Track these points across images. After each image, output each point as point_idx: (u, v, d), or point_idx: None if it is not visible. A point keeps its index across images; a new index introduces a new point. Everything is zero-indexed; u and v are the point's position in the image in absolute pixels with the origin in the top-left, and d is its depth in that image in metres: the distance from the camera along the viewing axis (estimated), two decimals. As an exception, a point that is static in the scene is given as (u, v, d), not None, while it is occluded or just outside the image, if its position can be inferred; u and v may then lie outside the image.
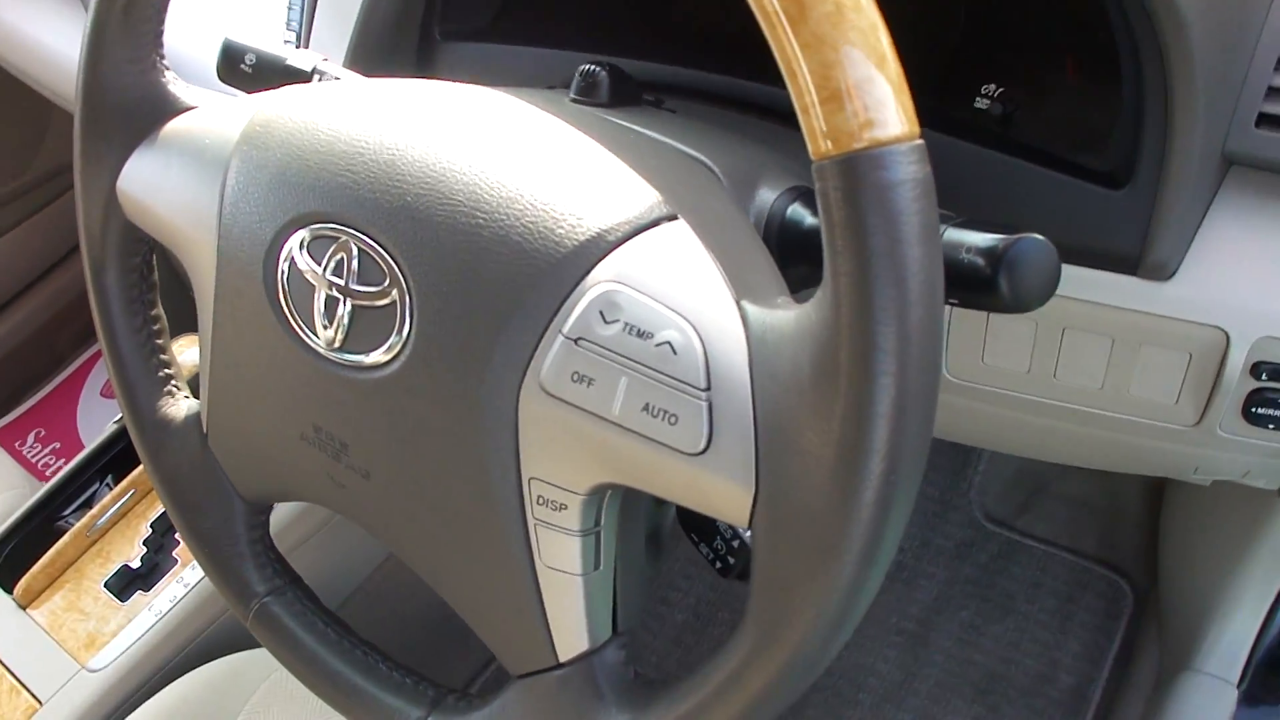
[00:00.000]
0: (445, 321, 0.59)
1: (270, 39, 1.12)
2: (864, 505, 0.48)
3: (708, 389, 0.52)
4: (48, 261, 2.23)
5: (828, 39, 0.45)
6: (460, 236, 0.58)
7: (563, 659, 0.62)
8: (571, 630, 0.61)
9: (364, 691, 0.73)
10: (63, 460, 2.09)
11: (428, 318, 0.59)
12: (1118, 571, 1.72)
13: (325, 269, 0.62)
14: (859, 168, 0.45)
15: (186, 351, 1.24)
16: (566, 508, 0.58)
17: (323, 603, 0.79)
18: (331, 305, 0.62)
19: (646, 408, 0.53)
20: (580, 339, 0.55)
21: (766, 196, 0.70)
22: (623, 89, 0.77)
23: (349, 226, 0.62)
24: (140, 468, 1.30)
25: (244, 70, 0.89)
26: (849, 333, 0.46)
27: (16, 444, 2.13)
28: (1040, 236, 0.60)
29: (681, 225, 0.57)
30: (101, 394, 2.18)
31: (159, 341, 0.82)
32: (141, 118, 0.75)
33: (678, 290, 0.54)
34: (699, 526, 0.71)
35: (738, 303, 0.53)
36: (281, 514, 1.24)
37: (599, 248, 0.56)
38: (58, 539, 1.28)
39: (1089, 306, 0.86)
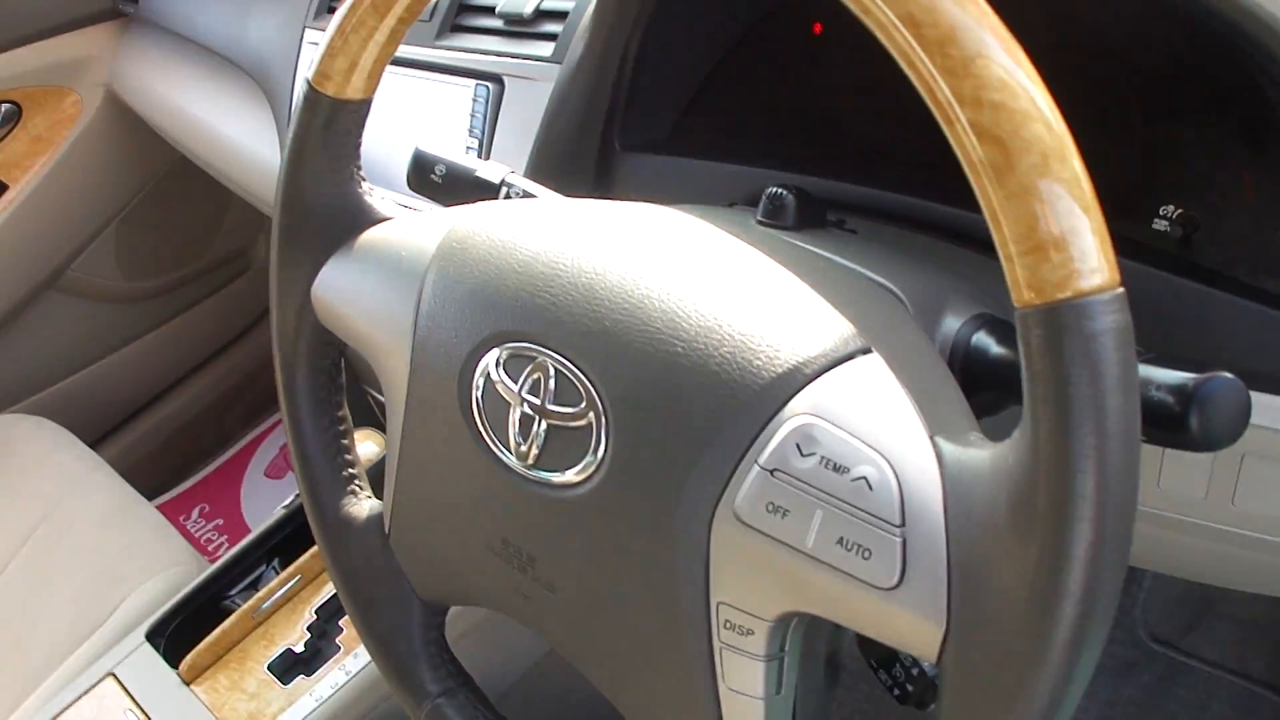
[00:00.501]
0: (641, 446, 0.60)
1: (453, 147, 1.16)
2: (1057, 647, 0.48)
3: (902, 525, 0.52)
4: (221, 341, 2.31)
5: (1034, 190, 0.46)
6: (657, 363, 0.60)
7: None
8: None
9: None
10: (225, 537, 2.15)
11: (623, 441, 0.61)
12: (1285, 695, 1.66)
13: (521, 387, 0.64)
14: (1062, 318, 0.46)
15: (362, 444, 1.27)
16: (753, 633, 0.58)
17: (494, 706, 0.81)
18: (527, 423, 0.64)
19: (840, 541, 0.53)
20: (776, 470, 0.56)
21: (952, 324, 0.71)
22: (808, 212, 0.79)
23: (546, 347, 0.64)
24: (307, 553, 1.33)
25: (434, 180, 0.93)
26: (1048, 478, 0.47)
27: (181, 518, 2.20)
28: (1231, 375, 0.60)
29: (875, 359, 0.58)
30: (266, 474, 2.25)
31: (344, 441, 0.84)
32: (338, 227, 0.78)
33: (873, 425, 0.55)
34: (878, 653, 0.72)
35: (932, 439, 0.54)
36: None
37: (796, 380, 0.57)
38: (224, 618, 1.31)
39: (1271, 434, 0.85)
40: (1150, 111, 0.90)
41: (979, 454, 0.52)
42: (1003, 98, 0.46)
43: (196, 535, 2.17)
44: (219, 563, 1.40)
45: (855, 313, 0.61)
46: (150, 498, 1.68)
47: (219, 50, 1.75)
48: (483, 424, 0.67)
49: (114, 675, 1.30)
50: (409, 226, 0.76)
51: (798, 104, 1.08)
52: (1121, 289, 0.47)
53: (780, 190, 0.78)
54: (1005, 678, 0.50)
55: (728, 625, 0.59)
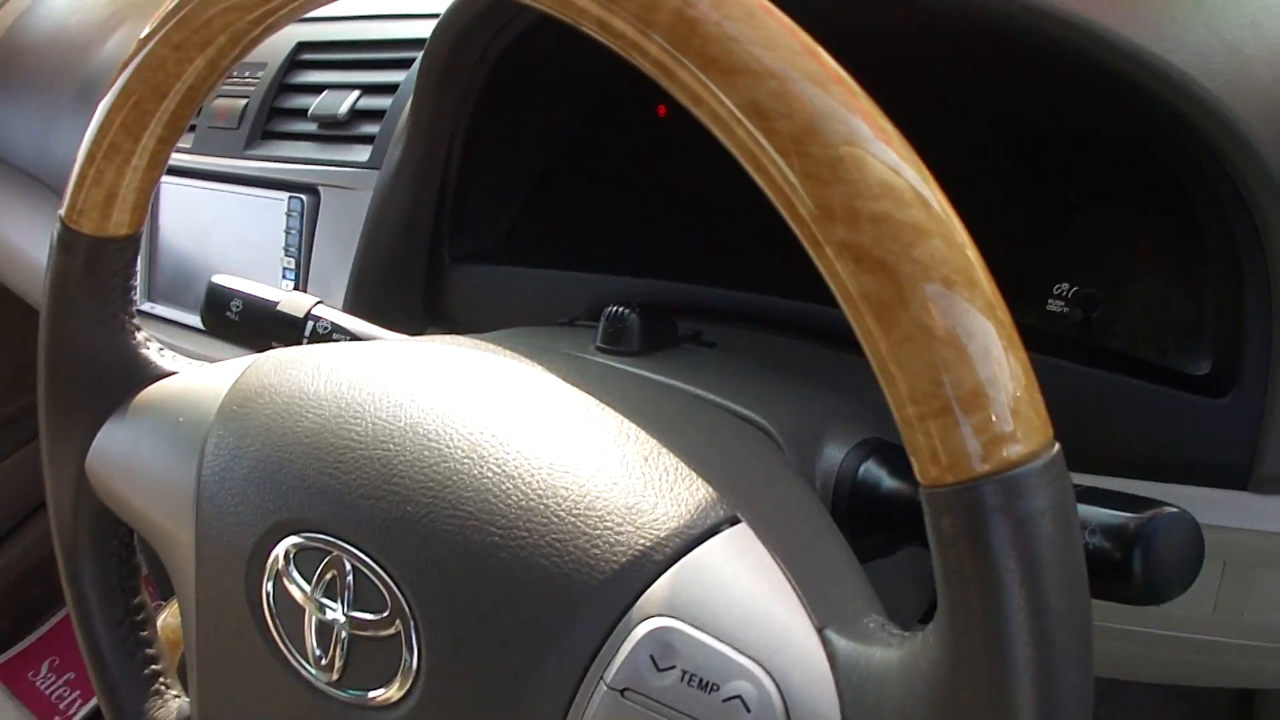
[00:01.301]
0: (462, 662, 0.48)
1: (267, 268, 1.05)
2: None
3: None
4: (23, 510, 2.15)
5: (934, 330, 0.35)
6: (472, 559, 0.48)
7: None
8: None
9: None
10: (78, 693, 1.99)
11: (440, 655, 0.49)
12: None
13: (316, 589, 0.52)
14: (985, 500, 0.35)
15: (175, 620, 1.13)
16: None
17: None
18: (325, 632, 0.52)
19: None
20: (628, 690, 0.44)
21: (833, 455, 0.61)
22: (656, 332, 0.68)
23: (340, 539, 0.52)
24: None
25: (230, 319, 0.81)
26: (975, 699, 0.36)
27: (30, 674, 2.03)
28: (1178, 510, 0.50)
29: (744, 531, 0.47)
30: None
31: (143, 634, 0.72)
32: (112, 387, 0.66)
33: (747, 625, 0.44)
34: None
35: (821, 633, 0.43)
36: None
37: (645, 570, 0.46)
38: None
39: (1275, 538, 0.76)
40: (1032, 180, 0.81)
41: (884, 655, 0.41)
42: (886, 207, 0.35)
43: (46, 692, 2.00)
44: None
45: (718, 468, 0.50)
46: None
47: (28, 169, 1.62)
48: (277, 632, 0.55)
49: None
50: (190, 383, 0.65)
51: (645, 197, 0.99)
52: (1058, 446, 0.36)
53: (621, 310, 0.67)
54: None
55: None
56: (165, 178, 1.25)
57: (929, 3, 0.68)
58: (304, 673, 0.53)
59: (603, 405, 0.54)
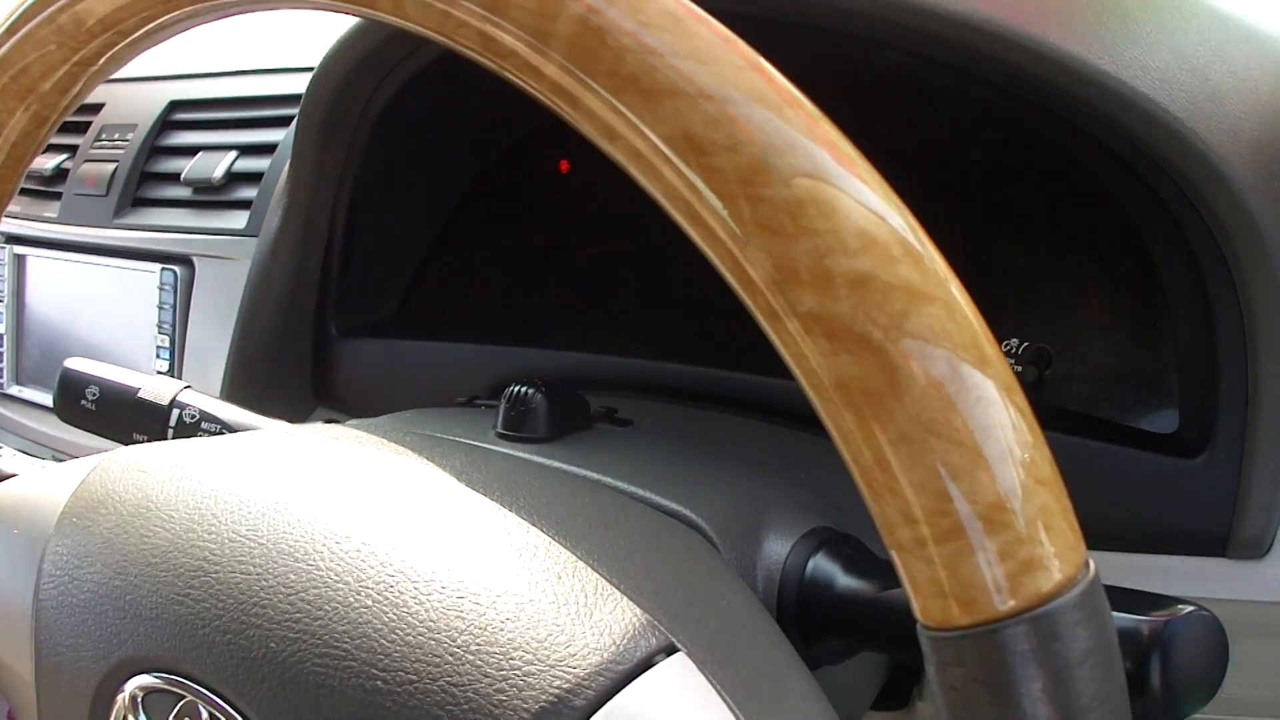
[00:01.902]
0: None
1: (139, 355, 0.96)
2: None
3: None
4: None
5: (940, 426, 0.26)
6: (351, 707, 0.39)
7: None
8: None
9: None
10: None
11: None
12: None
13: None
14: (1013, 645, 0.27)
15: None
16: None
17: None
18: None
19: None
20: None
21: (776, 551, 0.52)
22: (564, 412, 0.59)
23: (191, 679, 0.43)
24: None
25: (85, 407, 0.71)
26: None
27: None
28: (1196, 608, 0.43)
29: (682, 662, 0.38)
30: None
31: None
32: None
33: None
34: None
35: None
36: None
37: None
38: None
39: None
40: (972, 227, 0.74)
41: None
42: (868, 265, 0.26)
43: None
44: None
45: (645, 583, 0.41)
46: None
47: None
48: None
49: None
50: (30, 489, 0.55)
51: (549, 261, 0.90)
52: (1093, 565, 0.28)
53: (524, 390, 0.58)
54: None
55: None
56: (30, 250, 1.15)
57: (875, 35, 0.60)
58: None
59: (506, 510, 0.45)
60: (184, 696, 0.43)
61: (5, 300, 1.17)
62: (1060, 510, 0.27)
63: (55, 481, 0.54)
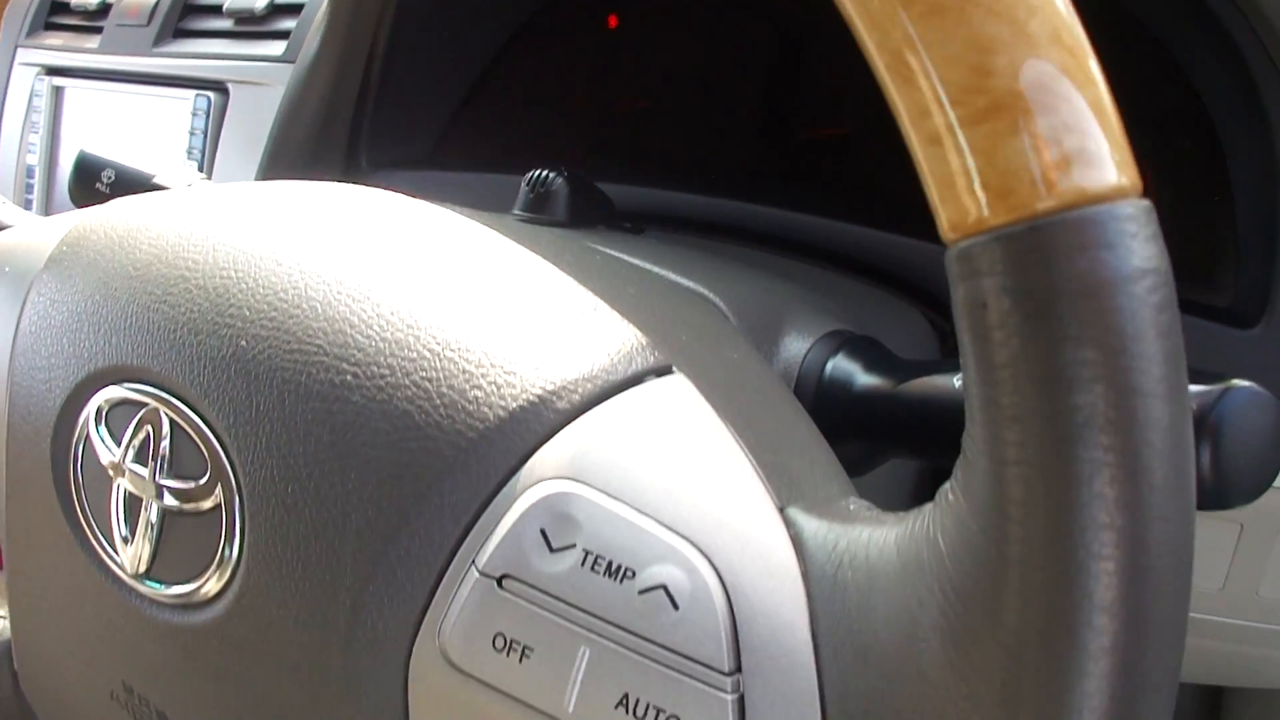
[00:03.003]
0: (290, 539, 0.36)
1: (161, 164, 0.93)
2: None
3: (735, 671, 0.29)
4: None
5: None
6: (316, 402, 0.36)
7: None
8: None
9: None
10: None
11: (265, 533, 0.37)
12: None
13: (126, 453, 0.41)
14: (1059, 244, 0.23)
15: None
16: None
17: None
18: (133, 508, 0.40)
19: (625, 702, 0.30)
20: (506, 577, 0.32)
21: (796, 346, 0.49)
22: (585, 202, 0.56)
23: (158, 386, 0.40)
24: None
25: (100, 190, 0.69)
26: (1032, 573, 0.24)
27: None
28: (1251, 385, 0.39)
29: (679, 381, 0.35)
30: None
31: None
32: None
33: (678, 493, 0.32)
34: None
35: (782, 512, 0.31)
36: None
37: (541, 421, 0.34)
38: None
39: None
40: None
41: (873, 536, 0.29)
42: None
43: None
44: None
45: (650, 320, 0.38)
46: None
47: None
48: (82, 512, 0.43)
49: None
50: (24, 234, 0.53)
51: (587, 108, 0.87)
52: (1148, 201, 0.24)
53: (545, 173, 0.55)
54: None
55: None
56: (69, 81, 1.13)
57: None
58: (110, 563, 0.42)
59: (506, 248, 0.42)
60: (145, 404, 0.40)
61: (40, 132, 1.15)
62: (1113, 119, 0.24)
63: (50, 228, 0.52)
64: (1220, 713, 1.43)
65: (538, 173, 0.55)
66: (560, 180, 0.55)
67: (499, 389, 0.34)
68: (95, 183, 0.69)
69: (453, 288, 0.38)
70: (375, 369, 0.36)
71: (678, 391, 0.35)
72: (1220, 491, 0.37)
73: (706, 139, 0.80)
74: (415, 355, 0.36)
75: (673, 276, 0.49)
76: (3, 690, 0.55)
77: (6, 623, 0.58)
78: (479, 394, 0.34)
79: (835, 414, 0.48)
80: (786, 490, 0.32)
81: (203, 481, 0.38)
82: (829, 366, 0.49)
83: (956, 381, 0.36)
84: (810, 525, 0.30)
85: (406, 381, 0.35)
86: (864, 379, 0.48)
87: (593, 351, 0.36)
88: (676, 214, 0.72)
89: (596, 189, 0.57)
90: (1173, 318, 0.24)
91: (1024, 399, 0.23)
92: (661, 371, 0.36)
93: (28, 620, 0.49)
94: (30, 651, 0.51)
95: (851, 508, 0.31)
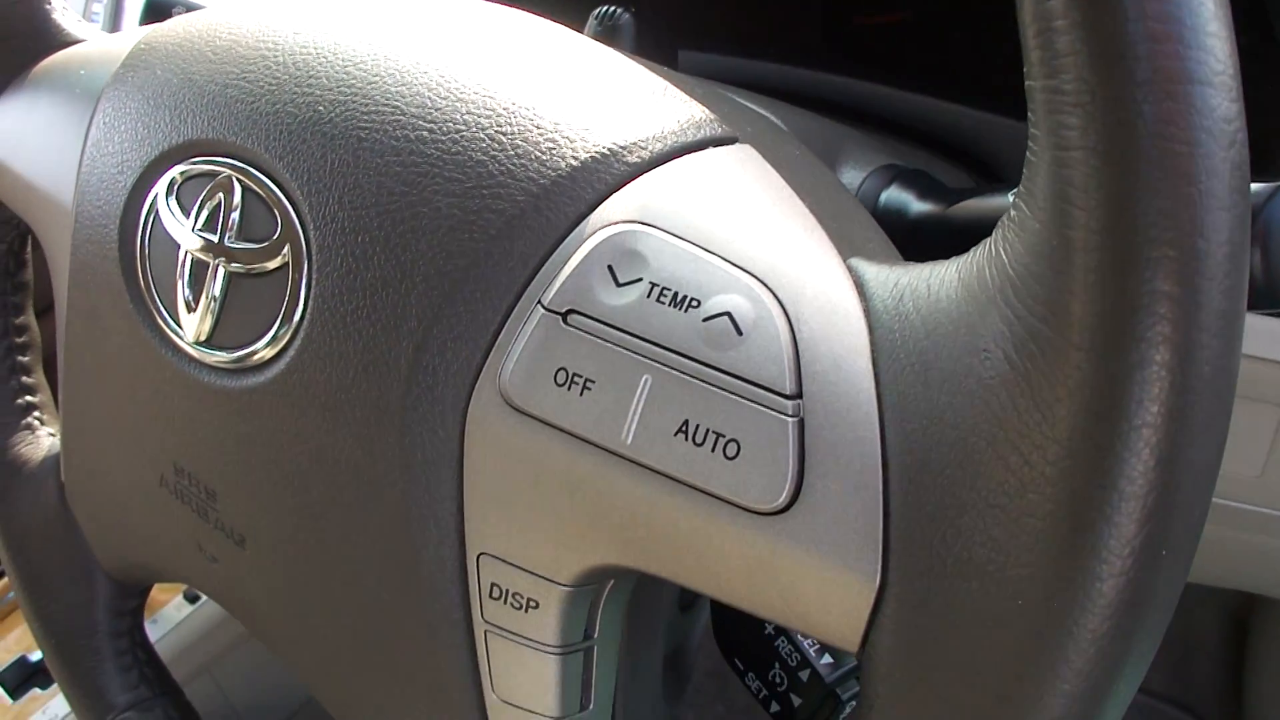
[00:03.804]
0: (357, 289, 0.37)
1: None
2: (1094, 629, 0.26)
3: (796, 395, 0.30)
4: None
5: None
6: (391, 156, 0.37)
7: None
8: None
9: None
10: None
11: (332, 284, 0.38)
12: (1191, 713, 1.48)
13: (195, 221, 0.42)
14: None
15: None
16: (538, 606, 0.35)
17: None
18: (199, 274, 0.41)
19: (685, 429, 0.31)
20: (572, 312, 0.33)
21: (852, 176, 0.50)
22: (653, 39, 0.56)
23: (233, 156, 0.41)
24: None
25: (174, 22, 0.71)
26: (1093, 255, 0.25)
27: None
28: None
29: (747, 152, 0.36)
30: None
31: (23, 359, 0.61)
32: (12, 55, 0.56)
33: (744, 234, 0.32)
34: (746, 645, 0.47)
35: (845, 262, 0.32)
36: (207, 615, 1.03)
37: (611, 172, 0.35)
38: (-46, 619, 1.08)
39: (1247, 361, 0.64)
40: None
41: (934, 271, 0.30)
42: None
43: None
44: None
45: (715, 105, 0.39)
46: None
47: None
48: (146, 284, 0.44)
49: None
50: (97, 45, 0.54)
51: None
52: None
53: (612, 9, 0.56)
54: (982, 685, 0.27)
55: (496, 593, 0.36)
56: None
57: None
58: (170, 333, 0.43)
59: (583, 41, 0.43)
60: (218, 174, 0.41)
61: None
62: None
63: (126, 35, 0.53)
64: (1248, 640, 1.44)
65: (606, 8, 0.56)
66: (628, 17, 0.56)
67: (571, 142, 0.35)
68: (168, 16, 0.71)
69: (527, 58, 0.39)
70: (450, 124, 0.37)
71: (745, 157, 0.36)
72: (1272, 288, 0.37)
73: (769, 18, 0.81)
74: (490, 111, 0.37)
75: (737, 99, 0.50)
76: (48, 502, 0.57)
77: (55, 440, 0.60)
78: (551, 147, 0.35)
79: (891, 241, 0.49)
80: (848, 248, 0.33)
81: (270, 242, 0.40)
82: (883, 196, 0.49)
83: (1011, 195, 0.37)
84: (872, 269, 0.31)
85: (481, 135, 0.36)
86: (917, 206, 0.48)
87: (662, 117, 0.37)
88: (739, 78, 0.72)
89: (664, 21, 0.58)
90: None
91: (1085, 85, 0.24)
92: (728, 141, 0.37)
93: (81, 420, 0.51)
94: (79, 455, 0.52)
95: (909, 266, 0.32)
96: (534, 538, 0.34)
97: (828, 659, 0.44)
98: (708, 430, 0.30)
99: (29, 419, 0.60)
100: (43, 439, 0.60)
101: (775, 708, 0.45)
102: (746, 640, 0.46)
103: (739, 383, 0.30)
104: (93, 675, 0.57)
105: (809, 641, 0.44)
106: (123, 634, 0.57)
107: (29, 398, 0.61)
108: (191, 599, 1.03)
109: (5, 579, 1.09)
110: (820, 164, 0.41)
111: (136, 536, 0.51)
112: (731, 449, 0.30)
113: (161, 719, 0.56)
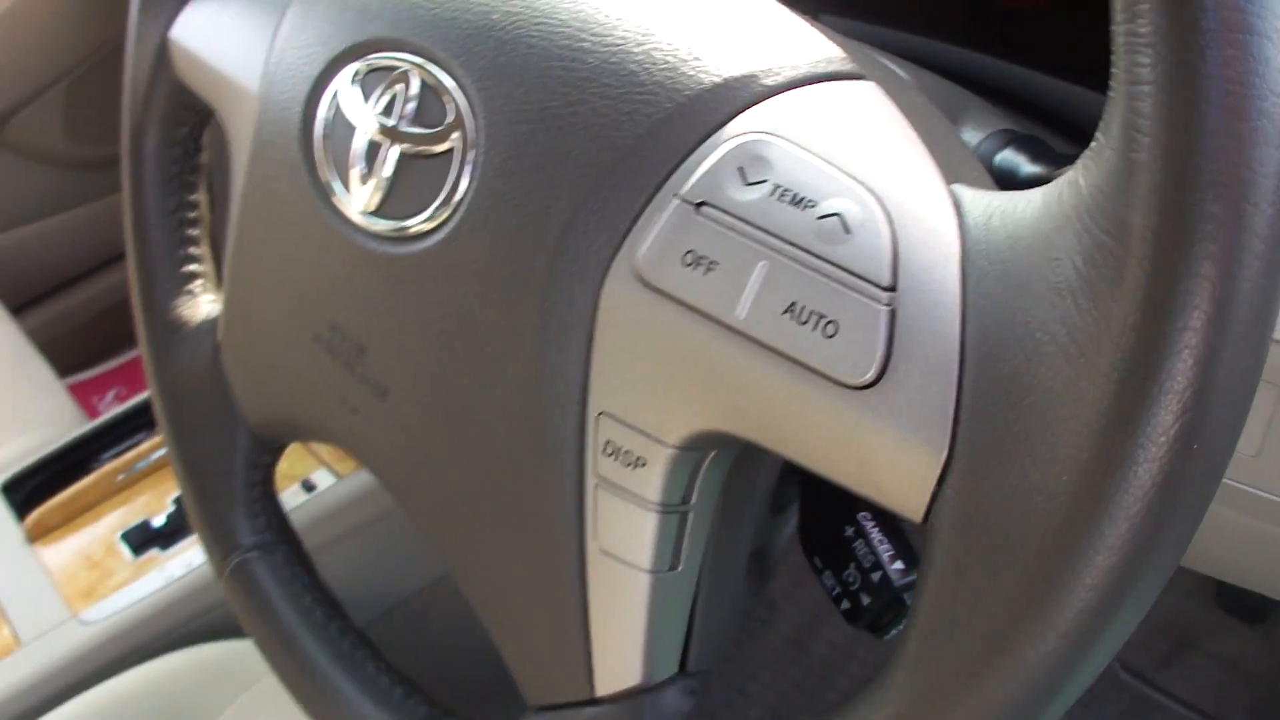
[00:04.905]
0: (515, 173, 0.42)
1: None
2: (1142, 478, 0.29)
3: (891, 288, 0.34)
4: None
5: None
6: (554, 61, 0.42)
7: (601, 692, 0.44)
8: (621, 652, 0.44)
9: (339, 691, 0.57)
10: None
11: (493, 167, 0.43)
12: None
13: (374, 107, 0.47)
14: None
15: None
16: (646, 464, 0.40)
17: (324, 583, 0.63)
18: (373, 152, 0.47)
19: (791, 309, 0.36)
20: (705, 204, 0.38)
21: (970, 136, 0.54)
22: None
23: (412, 53, 0.47)
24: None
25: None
26: (1154, 175, 0.29)
27: (95, 399, 2.03)
28: None
29: (869, 87, 0.41)
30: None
31: (191, 231, 0.67)
32: None
33: (860, 152, 0.37)
34: (827, 545, 0.52)
35: (947, 186, 0.36)
36: (320, 505, 1.10)
37: (749, 90, 0.40)
38: (88, 480, 1.15)
39: None
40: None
41: (1021, 194, 0.34)
42: None
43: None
44: (96, 421, 1.24)
45: (848, 49, 0.43)
46: (66, 374, 1.52)
47: None
48: (322, 159, 0.49)
49: (-46, 521, 1.14)
50: None
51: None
52: None
53: None
54: (1026, 553, 0.32)
55: (609, 450, 0.41)
56: None
57: None
58: (340, 204, 0.48)
59: None
60: (398, 68, 0.47)
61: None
62: None
63: None
64: None
65: None
66: None
67: (715, 61, 0.40)
68: None
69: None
70: (610, 38, 0.42)
71: (870, 92, 0.40)
72: None
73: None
74: (647, 31, 0.42)
75: (869, 52, 0.54)
76: (203, 360, 0.63)
77: (213, 307, 0.66)
78: (698, 64, 0.40)
79: None
80: (951, 176, 0.37)
81: (440, 129, 0.45)
82: (998, 158, 0.53)
83: None
84: (969, 192, 0.35)
85: (636, 50, 0.41)
86: (1028, 168, 0.52)
87: (799, 50, 0.41)
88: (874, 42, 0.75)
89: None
90: None
91: (1157, 28, 0.28)
92: (856, 76, 0.41)
93: (245, 283, 0.56)
94: (240, 315, 0.58)
95: (1004, 193, 0.36)
96: (649, 400, 0.39)
97: (899, 565, 0.48)
98: (811, 311, 0.35)
99: (191, 285, 0.66)
100: (201, 304, 0.66)
101: (846, 605, 0.50)
102: (829, 541, 0.51)
103: (843, 273, 0.35)
104: (225, 516, 0.63)
105: (884, 548, 0.49)
106: (256, 484, 0.63)
107: (193, 266, 0.67)
108: (309, 488, 1.10)
109: (134, 451, 1.17)
110: (939, 113, 0.45)
111: (284, 390, 0.56)
112: (830, 329, 0.35)
113: (283, 561, 0.62)
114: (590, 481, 0.42)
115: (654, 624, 0.43)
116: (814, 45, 0.42)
